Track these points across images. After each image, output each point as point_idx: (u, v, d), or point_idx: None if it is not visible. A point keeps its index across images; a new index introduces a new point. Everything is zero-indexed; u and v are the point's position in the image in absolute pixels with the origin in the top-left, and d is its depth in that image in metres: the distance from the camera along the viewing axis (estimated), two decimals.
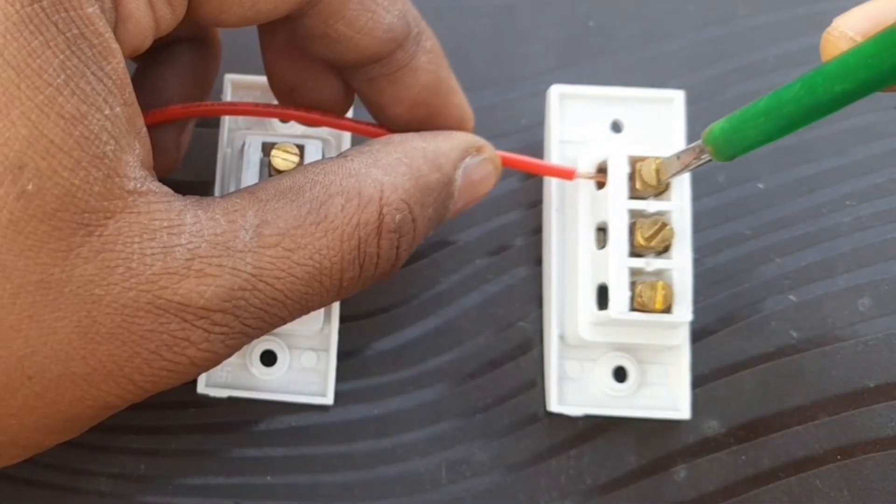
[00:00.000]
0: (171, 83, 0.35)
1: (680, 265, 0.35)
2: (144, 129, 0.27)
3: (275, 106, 0.35)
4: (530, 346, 0.39)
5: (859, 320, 0.39)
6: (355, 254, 0.29)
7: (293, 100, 0.35)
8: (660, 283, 0.35)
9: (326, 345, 0.38)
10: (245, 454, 0.38)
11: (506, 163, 0.35)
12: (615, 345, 0.38)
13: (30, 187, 0.24)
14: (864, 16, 0.27)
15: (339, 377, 0.38)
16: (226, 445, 0.38)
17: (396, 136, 0.32)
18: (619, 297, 0.35)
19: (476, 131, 0.35)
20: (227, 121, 0.38)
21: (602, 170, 0.36)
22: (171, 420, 0.38)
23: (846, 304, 0.39)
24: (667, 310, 0.35)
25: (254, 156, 0.35)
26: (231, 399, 0.38)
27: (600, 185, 0.37)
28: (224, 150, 0.38)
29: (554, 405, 0.37)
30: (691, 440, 0.38)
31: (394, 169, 0.30)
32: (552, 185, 0.39)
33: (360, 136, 0.35)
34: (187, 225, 0.26)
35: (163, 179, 0.28)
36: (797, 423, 0.38)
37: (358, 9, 0.30)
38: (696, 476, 0.38)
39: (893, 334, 0.39)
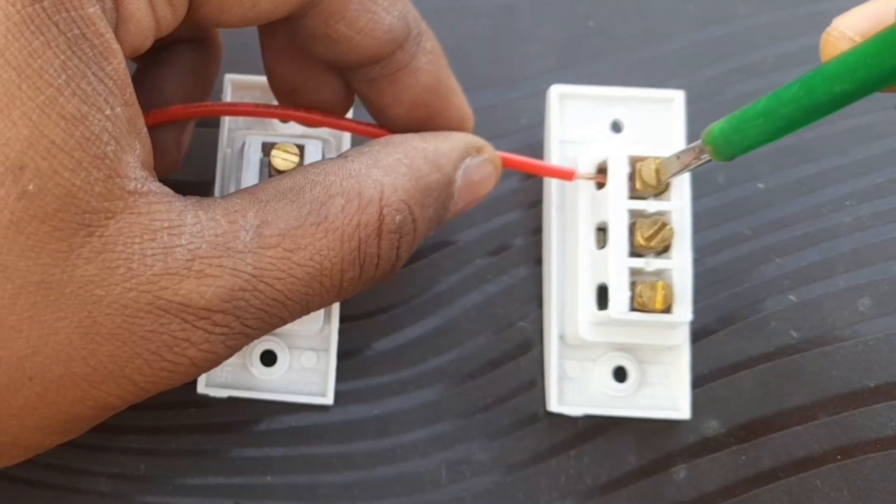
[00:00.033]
0: (171, 83, 0.35)
1: (680, 265, 0.35)
2: (145, 130, 0.27)
3: (275, 106, 0.35)
4: (530, 346, 0.39)
5: (859, 320, 0.39)
6: (356, 254, 0.29)
7: (293, 100, 0.35)
8: (660, 283, 0.35)
9: (326, 345, 0.38)
10: (245, 454, 0.38)
11: (506, 163, 0.35)
12: (615, 345, 0.38)
13: (31, 188, 0.24)
14: (864, 16, 0.27)
15: (339, 377, 0.38)
16: (226, 445, 0.38)
17: (396, 137, 0.32)
18: (619, 297, 0.35)
19: (476, 131, 0.35)
20: (226, 121, 0.38)
21: (602, 170, 0.36)
22: (171, 420, 0.38)
23: (846, 304, 0.39)
24: (667, 310, 0.35)
25: (254, 156, 0.35)
26: (231, 399, 0.38)
27: (600, 185, 0.37)
28: (224, 150, 0.38)
29: (554, 405, 0.37)
30: (691, 440, 0.38)
31: (394, 170, 0.30)
32: (552, 185, 0.39)
33: (361, 137, 0.35)
34: (188, 225, 0.26)
35: (163, 180, 0.28)
36: (797, 423, 0.38)
37: (358, 9, 0.30)
38: (696, 476, 0.38)
39: (893, 334, 0.39)
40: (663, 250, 0.36)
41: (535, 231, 0.40)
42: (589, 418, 0.38)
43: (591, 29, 0.42)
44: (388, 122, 0.35)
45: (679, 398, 0.37)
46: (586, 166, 0.37)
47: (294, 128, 0.39)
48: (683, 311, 0.35)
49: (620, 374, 0.38)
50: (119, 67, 0.25)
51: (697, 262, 0.39)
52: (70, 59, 0.24)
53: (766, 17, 0.42)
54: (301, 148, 0.35)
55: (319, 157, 0.35)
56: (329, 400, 0.37)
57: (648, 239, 0.35)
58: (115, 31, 0.26)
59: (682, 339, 0.37)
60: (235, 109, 0.35)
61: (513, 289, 0.40)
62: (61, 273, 0.25)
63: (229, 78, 0.39)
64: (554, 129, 0.39)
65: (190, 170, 0.39)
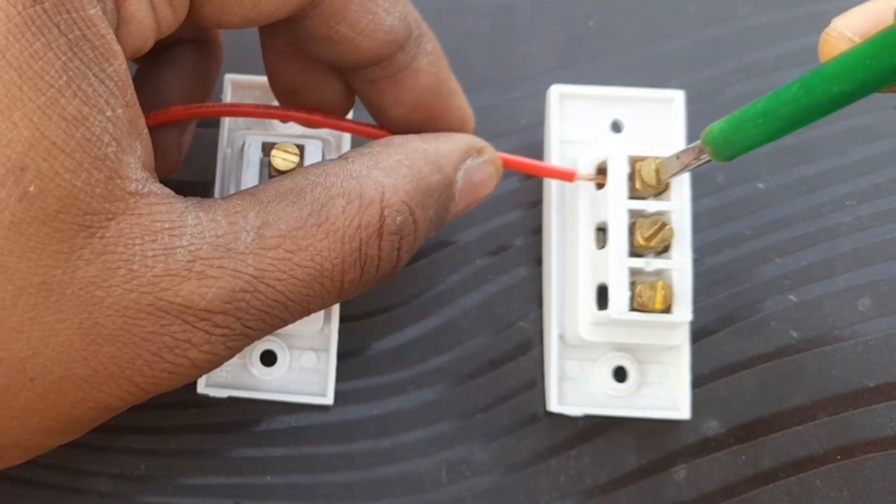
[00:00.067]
0: (172, 84, 0.35)
1: (680, 265, 0.35)
2: (146, 131, 0.27)
3: (276, 107, 0.35)
4: (530, 346, 0.39)
5: (859, 320, 0.39)
6: (356, 255, 0.29)
7: (294, 101, 0.35)
8: (660, 283, 0.35)
9: (326, 345, 0.38)
10: (245, 454, 0.38)
11: (506, 164, 0.35)
12: (615, 345, 0.38)
13: (31, 189, 0.24)
14: (863, 16, 0.27)
15: (339, 377, 0.38)
16: (226, 445, 0.38)
17: (397, 138, 0.32)
18: (619, 297, 0.35)
19: (476, 132, 0.35)
20: (227, 121, 0.38)
21: (602, 170, 0.36)
22: (171, 420, 0.38)
23: (846, 304, 0.39)
24: (667, 310, 0.35)
25: (254, 156, 0.35)
26: (231, 399, 0.38)
27: (600, 185, 0.37)
28: (224, 150, 0.38)
29: (554, 405, 0.37)
30: (691, 440, 0.38)
31: (395, 171, 0.30)
32: (552, 186, 0.39)
33: (361, 138, 0.35)
34: (188, 227, 0.26)
35: (164, 180, 0.28)
36: (797, 423, 0.38)
37: (359, 10, 0.30)
38: (696, 476, 0.38)
39: (893, 334, 0.39)
40: (663, 250, 0.36)
41: (535, 231, 0.40)
42: (589, 418, 0.38)
43: (591, 29, 0.42)
44: (388, 123, 0.35)
45: (679, 398, 0.37)
46: (586, 166, 0.37)
47: (294, 128, 0.39)
48: (683, 311, 0.35)
49: (620, 374, 0.38)
50: (120, 69, 0.25)
51: (697, 262, 0.39)
52: (71, 60, 0.24)
53: (766, 17, 0.42)
54: (301, 148, 0.35)
55: (319, 157, 0.35)
56: (329, 400, 0.37)
57: (648, 239, 0.35)
58: (117, 32, 0.26)
59: (682, 339, 0.37)
60: (236, 110, 0.35)
61: (513, 289, 0.40)
62: (62, 274, 0.25)
63: (229, 78, 0.39)
64: (554, 129, 0.39)
65: (190, 170, 0.39)
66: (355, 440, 0.38)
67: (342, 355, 0.38)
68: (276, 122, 0.39)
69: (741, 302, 0.39)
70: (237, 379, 0.38)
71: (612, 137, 0.39)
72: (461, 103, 0.35)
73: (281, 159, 0.33)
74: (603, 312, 0.35)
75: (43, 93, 0.24)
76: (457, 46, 0.41)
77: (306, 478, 0.38)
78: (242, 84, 0.40)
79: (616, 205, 0.35)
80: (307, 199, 0.28)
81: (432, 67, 0.33)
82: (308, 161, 0.35)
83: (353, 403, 0.38)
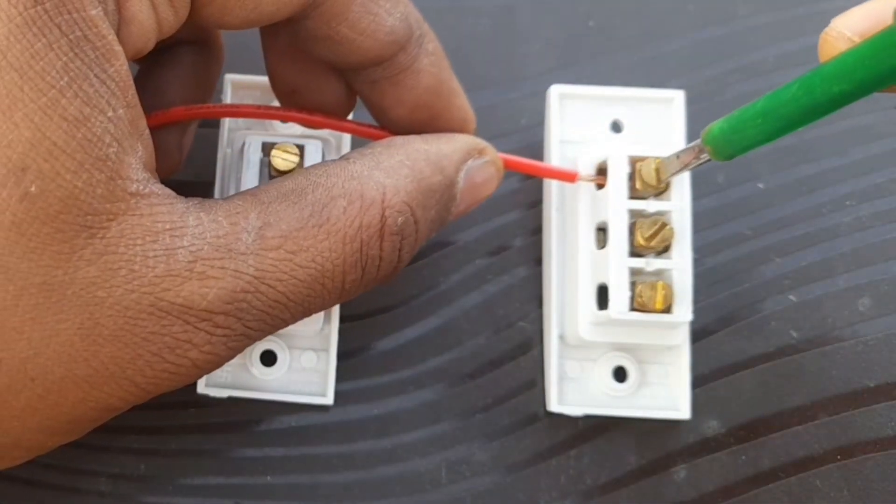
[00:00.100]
0: (173, 85, 0.35)
1: (680, 265, 0.35)
2: (147, 131, 0.27)
3: (277, 108, 0.35)
4: (530, 346, 0.39)
5: (859, 320, 0.39)
6: (357, 256, 0.29)
7: (295, 102, 0.35)
8: (660, 283, 0.35)
9: (326, 345, 0.38)
10: (245, 454, 0.38)
11: (508, 165, 0.35)
12: (615, 345, 0.38)
13: (33, 189, 0.24)
14: (863, 16, 0.27)
15: (339, 377, 0.38)
16: (226, 445, 0.38)
17: (398, 139, 0.32)
18: (619, 297, 0.35)
19: (476, 132, 0.35)
20: (227, 121, 0.38)
21: (602, 170, 0.36)
22: (171, 420, 0.38)
23: (846, 304, 0.39)
24: (667, 310, 0.35)
25: (254, 156, 0.36)
26: (231, 399, 0.38)
27: (600, 185, 0.37)
28: (224, 150, 0.38)
29: (554, 405, 0.37)
30: (691, 440, 0.38)
31: (396, 171, 0.30)
32: (552, 186, 0.39)
33: (362, 139, 0.35)
34: (190, 227, 0.26)
35: (165, 181, 0.28)
36: (797, 423, 0.38)
37: (360, 11, 0.30)
38: (696, 476, 0.38)
39: (893, 334, 0.39)
40: (663, 250, 0.36)
41: (535, 231, 0.40)
42: (589, 418, 0.38)
43: (591, 29, 0.42)
44: (389, 124, 0.35)
45: (679, 398, 0.37)
46: (586, 166, 0.37)
47: (294, 128, 0.39)
48: (683, 311, 0.35)
49: (620, 374, 0.38)
50: (121, 69, 0.25)
51: (697, 262, 0.39)
52: (72, 60, 0.24)
53: (766, 17, 0.42)
54: (301, 148, 0.35)
55: (319, 157, 0.35)
56: (329, 400, 0.37)
57: (648, 239, 0.35)
58: (118, 32, 0.26)
59: (682, 339, 0.37)
60: (237, 111, 0.35)
61: (513, 289, 0.40)
62: (63, 275, 0.25)
63: (229, 78, 0.39)
64: (554, 129, 0.39)
65: (190, 170, 0.39)
66: (355, 440, 0.38)
67: (342, 355, 0.38)
68: (276, 122, 0.39)
69: (741, 302, 0.39)
70: (237, 379, 0.38)
71: (612, 137, 0.39)
72: (462, 104, 0.35)
73: (281, 159, 0.33)
74: (603, 312, 0.35)
75: (44, 93, 0.24)
76: (457, 46, 0.41)
77: (306, 478, 0.38)
78: (242, 84, 0.40)
79: (616, 205, 0.35)
80: (308, 200, 0.28)
81: (433, 68, 0.33)
82: (308, 161, 0.35)
83: (353, 403, 0.38)
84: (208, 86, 0.37)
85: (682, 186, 0.35)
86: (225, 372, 0.38)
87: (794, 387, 0.38)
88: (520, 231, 0.40)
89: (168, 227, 0.26)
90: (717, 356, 0.39)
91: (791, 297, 0.39)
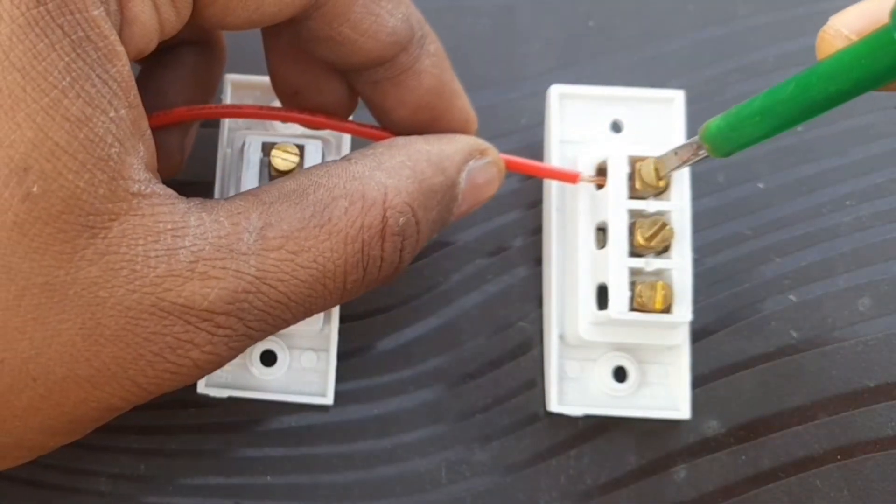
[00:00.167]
0: (175, 86, 0.35)
1: (680, 265, 0.35)
2: (149, 132, 0.27)
3: (278, 109, 0.35)
4: (530, 346, 0.39)
5: (859, 320, 0.39)
6: (359, 257, 0.29)
7: (297, 102, 0.35)
8: (660, 283, 0.35)
9: (326, 345, 0.38)
10: (245, 454, 0.38)
11: (509, 166, 0.35)
12: (615, 345, 0.38)
13: (35, 189, 0.24)
14: (860, 14, 0.27)
15: (339, 377, 0.38)
16: (226, 445, 0.38)
17: (400, 139, 0.32)
18: (619, 297, 0.35)
19: (477, 132, 0.35)
20: (227, 121, 0.38)
21: (602, 170, 0.36)
22: (171, 420, 0.38)
23: (846, 304, 0.39)
24: (667, 310, 0.35)
25: (254, 156, 0.36)
26: (231, 399, 0.38)
27: (600, 185, 0.37)
28: (224, 149, 0.38)
29: (554, 405, 0.37)
30: (691, 440, 0.38)
31: (397, 172, 0.30)
32: (552, 186, 0.39)
33: (363, 139, 0.35)
34: (191, 227, 0.26)
35: (166, 181, 0.28)
36: (797, 423, 0.38)
37: (362, 12, 0.30)
38: (696, 476, 0.38)
39: (893, 334, 0.39)
40: (663, 250, 0.36)
41: (535, 231, 0.40)
42: (589, 418, 0.38)
43: (591, 29, 0.43)
44: (391, 125, 0.35)
45: (679, 398, 0.37)
46: (586, 166, 0.37)
47: (294, 128, 0.39)
48: (683, 311, 0.35)
49: (620, 374, 0.38)
50: (123, 70, 0.25)
51: (697, 262, 0.39)
52: (74, 61, 0.24)
53: (766, 17, 0.42)
54: (301, 148, 0.35)
55: (319, 157, 0.35)
56: (329, 400, 0.37)
57: (648, 239, 0.35)
58: (120, 33, 0.26)
59: (682, 339, 0.37)
60: (239, 111, 0.35)
61: (513, 289, 0.40)
62: (65, 275, 0.25)
63: (230, 78, 0.39)
64: (554, 129, 0.39)
65: (190, 170, 0.38)
66: (355, 440, 0.38)
67: (342, 355, 0.38)
68: (276, 122, 0.39)
69: (741, 302, 0.39)
70: (237, 379, 0.38)
71: (612, 137, 0.39)
72: (464, 105, 0.35)
73: (281, 159, 0.33)
74: (603, 312, 0.35)
75: (46, 94, 0.24)
76: (457, 46, 0.41)
77: (306, 478, 0.38)
78: (243, 84, 0.40)
79: (616, 205, 0.35)
80: (310, 200, 0.28)
81: (435, 69, 0.33)
82: (308, 161, 0.35)
83: (353, 403, 0.38)
84: (210, 86, 0.37)
85: (681, 186, 0.36)
86: (225, 372, 0.38)
87: (794, 387, 0.38)
88: (520, 231, 0.40)
89: (170, 227, 0.26)
90: (717, 356, 0.39)
91: (791, 297, 0.39)
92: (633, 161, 0.36)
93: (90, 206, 0.25)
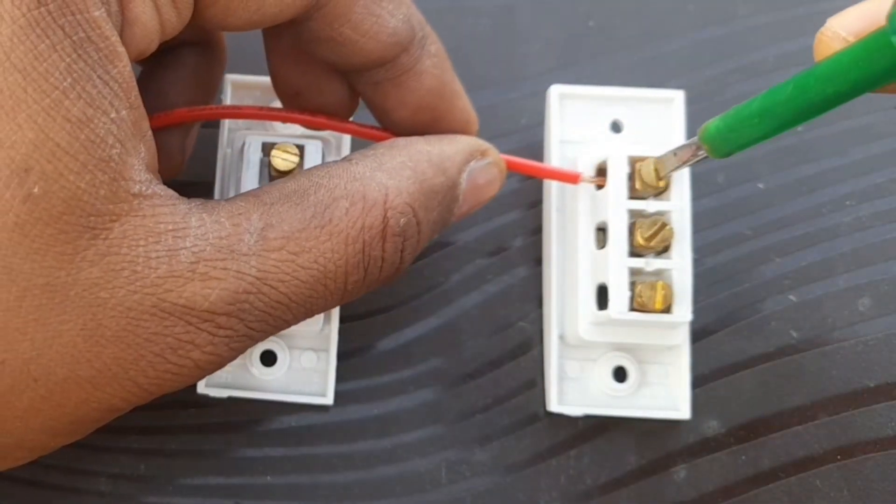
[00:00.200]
0: (176, 87, 0.35)
1: (680, 265, 0.35)
2: (150, 133, 0.27)
3: (279, 109, 0.35)
4: (530, 346, 0.39)
5: (859, 320, 0.39)
6: (360, 257, 0.29)
7: (298, 103, 0.35)
8: (659, 283, 0.35)
9: (326, 345, 0.38)
10: (245, 454, 0.38)
11: (510, 166, 0.35)
12: (615, 345, 0.38)
13: (36, 190, 0.24)
14: (858, 16, 0.27)
15: (339, 377, 0.38)
16: (226, 445, 0.38)
17: (401, 140, 0.32)
18: (619, 297, 0.35)
19: (477, 132, 0.35)
20: (227, 121, 0.38)
21: (602, 170, 0.36)
22: (171, 420, 0.38)
23: (846, 304, 0.39)
24: (667, 310, 0.35)
25: (254, 156, 0.35)
26: (231, 399, 0.38)
27: (600, 185, 0.37)
28: (224, 150, 0.38)
29: (554, 405, 0.37)
30: (691, 440, 0.38)
31: (398, 172, 0.30)
32: (552, 186, 0.39)
33: (363, 140, 0.35)
34: (192, 228, 0.26)
35: (166, 182, 0.28)
36: (797, 423, 0.38)
37: (363, 13, 0.30)
38: (696, 476, 0.38)
39: (893, 334, 0.39)
40: (663, 250, 0.36)
41: (535, 231, 0.40)
42: (589, 418, 0.38)
43: (591, 29, 0.43)
44: (392, 126, 0.35)
45: (679, 398, 0.37)
46: (586, 166, 0.37)
47: (294, 128, 0.39)
48: (683, 311, 0.35)
49: (620, 374, 0.38)
50: (124, 70, 0.25)
51: (697, 262, 0.39)
52: (75, 62, 0.24)
53: (766, 17, 0.42)
54: (301, 148, 0.35)
55: (319, 158, 0.35)
56: (329, 400, 0.37)
57: (648, 239, 0.35)
58: (121, 34, 0.26)
59: (682, 339, 0.37)
60: (240, 112, 0.35)
61: (513, 289, 0.40)
62: (66, 276, 0.25)
63: (230, 78, 0.39)
64: (554, 129, 0.39)
65: (190, 170, 0.38)
66: (355, 440, 0.38)
67: (342, 355, 0.38)
68: (276, 123, 0.39)
69: (741, 302, 0.39)
70: (237, 379, 0.38)
71: (611, 137, 0.39)
72: (465, 105, 0.35)
73: (281, 159, 0.33)
74: (603, 312, 0.35)
75: (47, 94, 0.24)
76: (457, 46, 0.41)
77: (306, 478, 0.38)
78: (243, 84, 0.40)
79: (616, 205, 0.35)
80: (310, 201, 0.28)
81: (436, 70, 0.33)
82: (308, 161, 0.35)
83: (353, 403, 0.38)
84: (211, 87, 0.37)
85: (681, 186, 0.36)
86: (225, 372, 0.38)
87: (794, 387, 0.38)
88: (520, 231, 0.40)
89: (170, 228, 0.26)
90: (717, 356, 0.39)
91: (791, 297, 0.39)
92: (633, 161, 0.36)
93: (91, 206, 0.25)
